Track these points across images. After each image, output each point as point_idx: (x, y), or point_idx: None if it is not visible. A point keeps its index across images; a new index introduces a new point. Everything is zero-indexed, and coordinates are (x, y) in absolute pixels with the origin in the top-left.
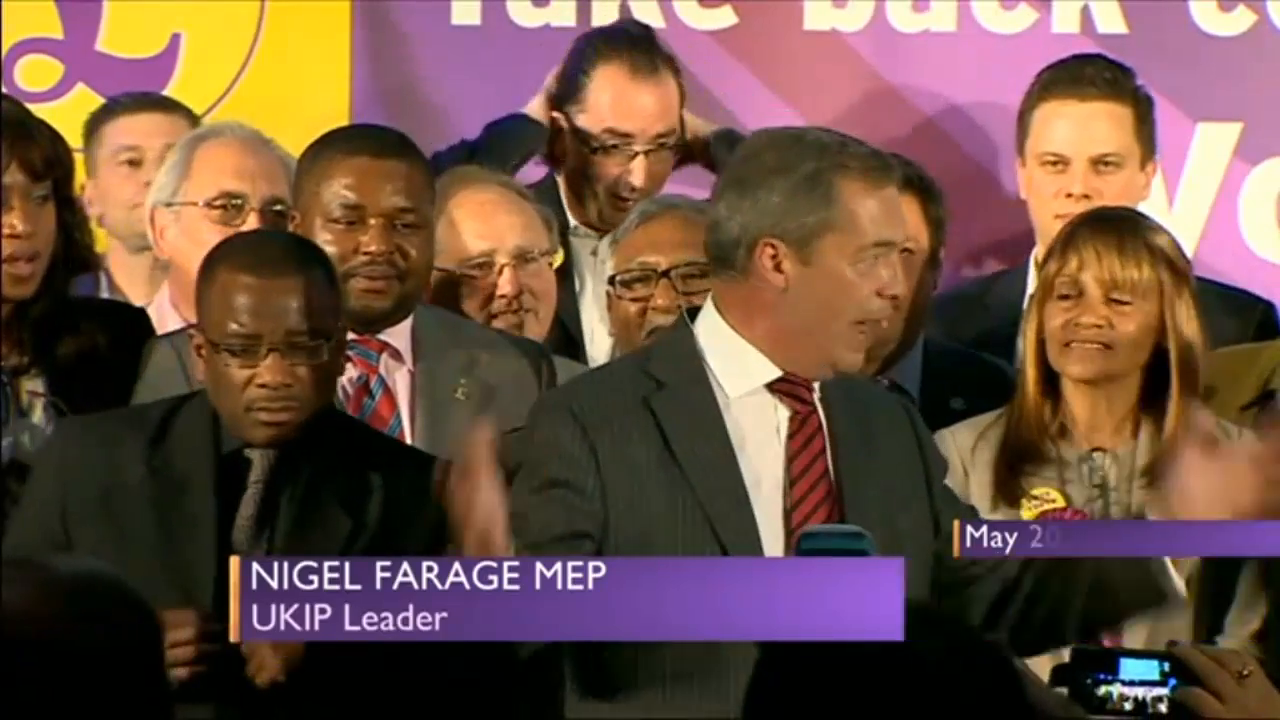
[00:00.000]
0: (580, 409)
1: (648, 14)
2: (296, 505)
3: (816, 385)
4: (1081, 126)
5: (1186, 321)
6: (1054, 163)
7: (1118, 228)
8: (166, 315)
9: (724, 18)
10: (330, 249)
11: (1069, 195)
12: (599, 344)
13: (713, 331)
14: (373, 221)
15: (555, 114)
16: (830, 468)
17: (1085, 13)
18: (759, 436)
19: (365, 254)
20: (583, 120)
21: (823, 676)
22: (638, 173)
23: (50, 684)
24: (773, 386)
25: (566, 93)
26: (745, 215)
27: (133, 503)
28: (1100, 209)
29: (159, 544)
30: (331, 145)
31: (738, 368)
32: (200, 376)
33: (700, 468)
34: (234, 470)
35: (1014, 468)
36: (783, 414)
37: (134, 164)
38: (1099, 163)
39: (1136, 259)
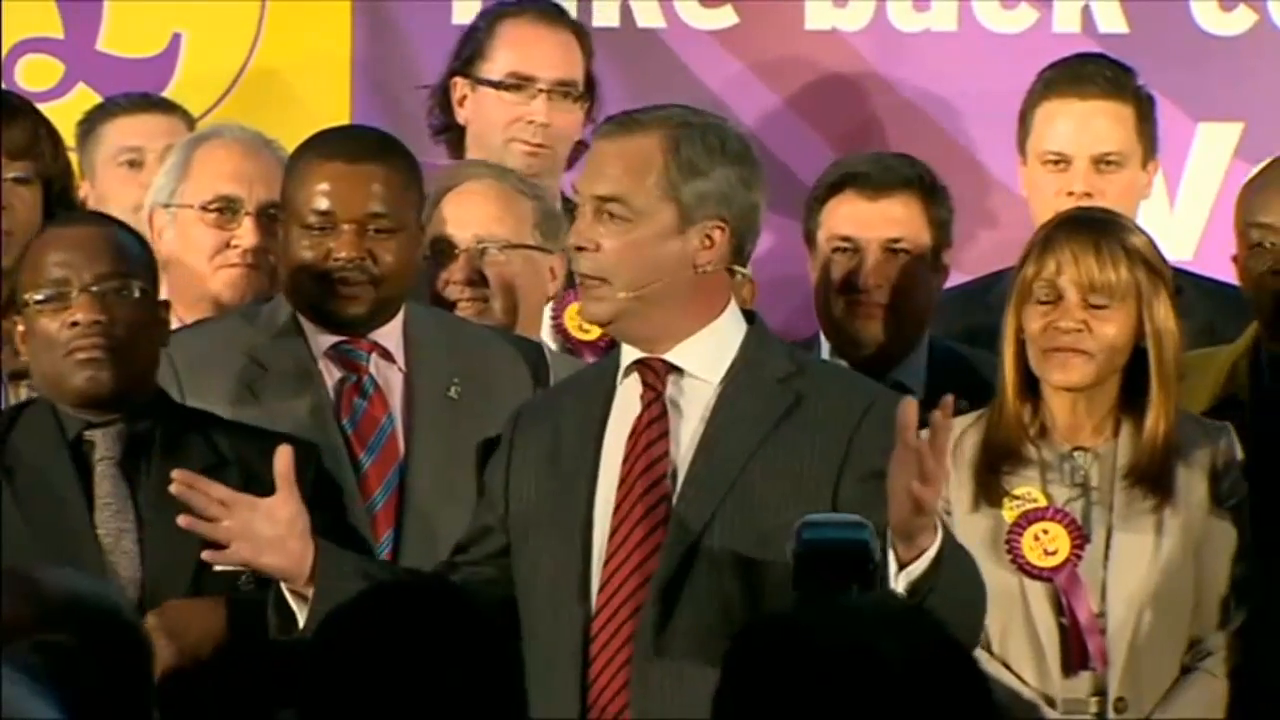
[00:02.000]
0: (525, 408)
1: (648, 14)
2: (154, 480)
3: (702, 368)
4: (1083, 125)
5: (1165, 322)
6: (1055, 161)
7: (1093, 230)
8: None
9: (725, 17)
10: (306, 254)
11: (1070, 194)
12: None
13: None
14: (344, 227)
15: (457, 79)
16: (673, 451)
17: (1086, 12)
18: (623, 419)
19: (336, 260)
20: (485, 70)
21: (790, 678)
22: (539, 110)
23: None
24: (638, 370)
25: (471, 54)
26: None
27: None
28: (1076, 211)
29: (29, 535)
30: (309, 149)
31: (624, 353)
32: (25, 358)
33: (566, 452)
34: (79, 455)
35: (994, 468)
36: (644, 396)
37: (134, 165)
38: (1100, 161)
39: (1114, 261)
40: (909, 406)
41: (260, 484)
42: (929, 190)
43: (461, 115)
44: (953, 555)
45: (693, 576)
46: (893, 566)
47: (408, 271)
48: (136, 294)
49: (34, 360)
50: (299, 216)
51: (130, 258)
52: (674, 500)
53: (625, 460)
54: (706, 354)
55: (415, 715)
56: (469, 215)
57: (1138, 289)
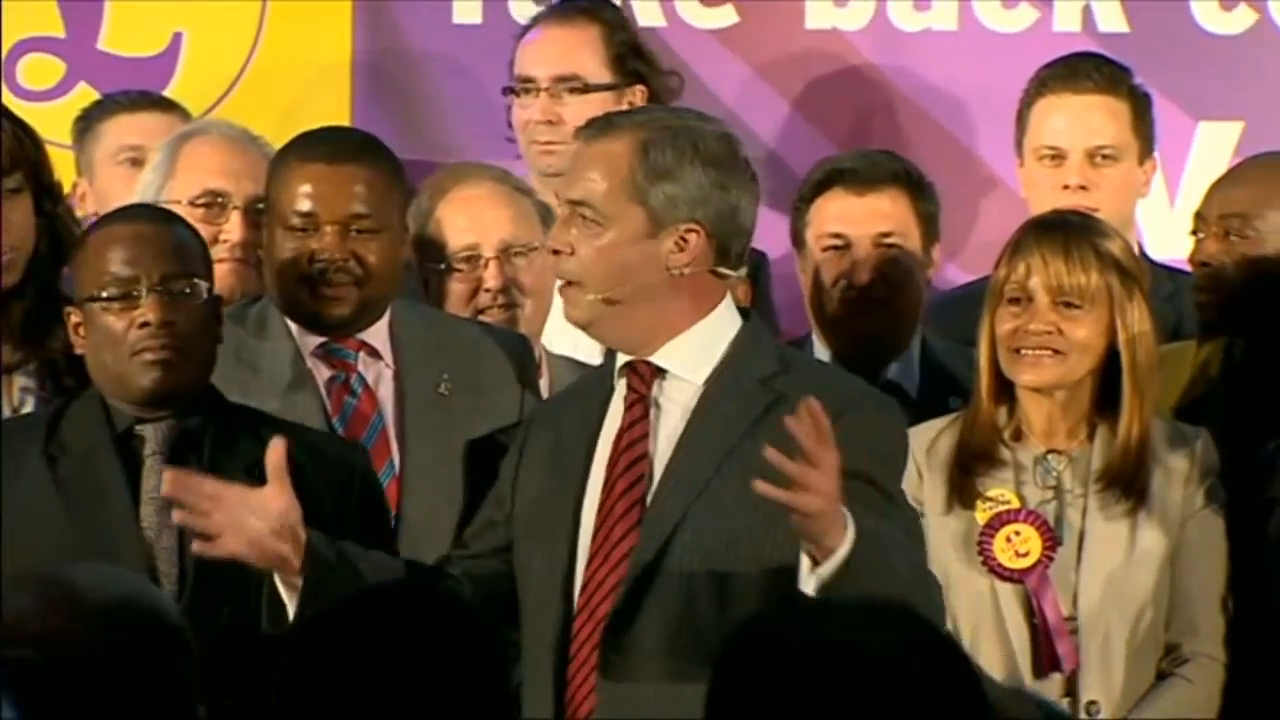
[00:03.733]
0: (539, 410)
1: (649, 13)
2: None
3: (687, 370)
4: (1077, 119)
5: (1138, 326)
6: (1051, 156)
7: (1064, 233)
8: None
9: (726, 16)
10: (290, 255)
11: (1065, 187)
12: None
13: None
14: (327, 229)
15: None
16: (652, 452)
17: (1086, 12)
18: (614, 422)
19: (319, 262)
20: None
21: (783, 673)
22: (537, 109)
23: (76, 704)
24: (626, 373)
25: (511, 67)
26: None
27: (35, 490)
28: (1050, 214)
29: (69, 523)
30: (291, 151)
31: (619, 356)
32: (80, 350)
33: (566, 453)
34: (129, 448)
35: (968, 469)
36: (627, 399)
37: (136, 164)
38: (1095, 155)
39: (1084, 264)
40: (806, 406)
41: (306, 484)
42: (916, 185)
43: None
44: (872, 558)
45: (661, 576)
46: (803, 568)
47: (392, 272)
48: (203, 294)
49: (93, 355)
50: (282, 218)
51: (194, 256)
52: (648, 501)
53: (608, 462)
54: (691, 355)
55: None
56: (485, 221)
57: (1109, 292)
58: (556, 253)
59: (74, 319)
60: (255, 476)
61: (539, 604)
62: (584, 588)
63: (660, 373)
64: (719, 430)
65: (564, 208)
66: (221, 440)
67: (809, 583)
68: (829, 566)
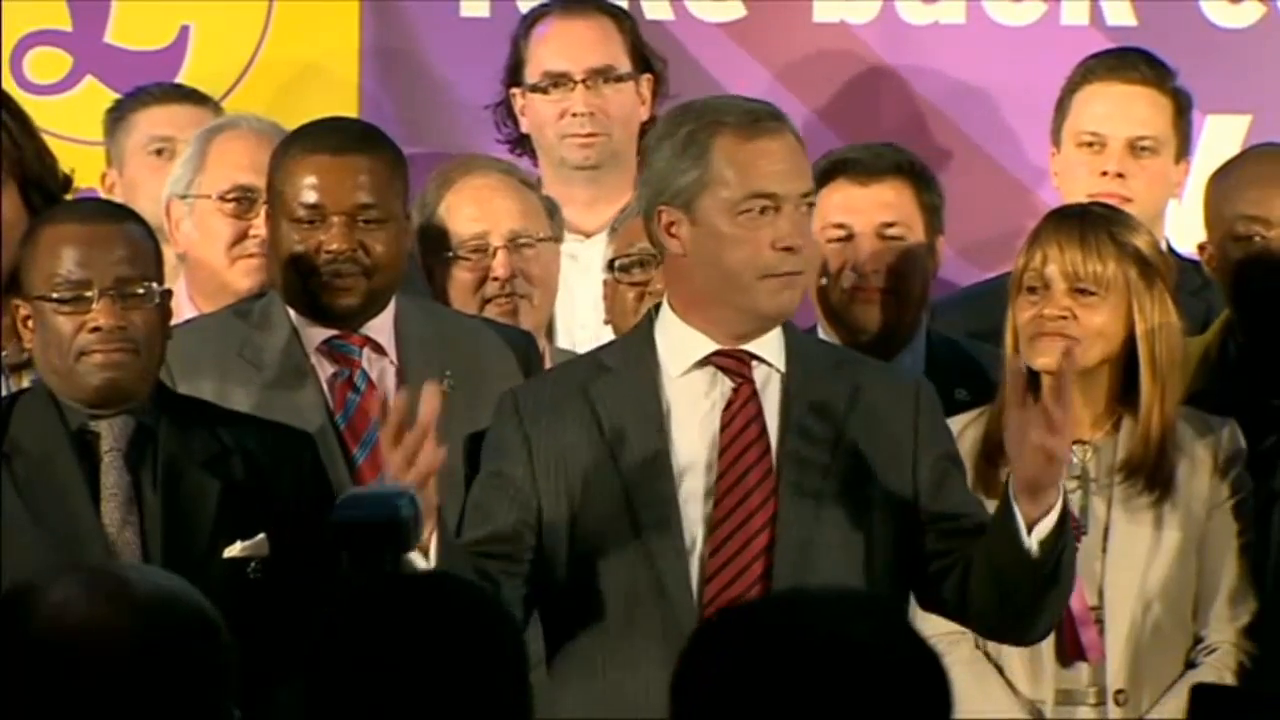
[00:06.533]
0: (523, 401)
1: (657, 7)
2: (160, 471)
3: (773, 357)
4: (1122, 107)
5: (1160, 318)
6: (1090, 143)
7: (1081, 222)
8: (184, 307)
9: (733, 10)
10: (297, 248)
11: (1104, 174)
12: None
13: (663, 315)
14: (334, 220)
15: (514, 91)
16: (774, 439)
17: (1094, 5)
18: (697, 413)
19: (328, 253)
20: (528, 76)
21: (753, 660)
22: (578, 101)
23: (112, 697)
24: (713, 361)
25: (515, 63)
26: (643, 187)
27: None
28: (1071, 205)
29: (32, 523)
30: (294, 143)
31: (679, 346)
32: (28, 345)
33: (626, 447)
34: (84, 445)
35: (992, 459)
36: (725, 388)
37: (163, 155)
38: (1135, 144)
39: (1100, 253)
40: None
41: (262, 473)
42: (919, 176)
43: (525, 125)
44: (1068, 526)
45: (811, 563)
46: (1021, 526)
47: (398, 262)
48: (156, 296)
49: (40, 351)
50: (288, 210)
51: (147, 257)
52: (779, 489)
53: (724, 453)
54: (773, 339)
55: (424, 704)
56: (495, 211)
57: (1126, 282)
58: (789, 250)
59: (22, 311)
60: (213, 471)
61: (643, 605)
62: (710, 580)
63: (754, 359)
64: (820, 417)
65: (790, 204)
66: (174, 435)
67: (1031, 539)
68: (1049, 522)
